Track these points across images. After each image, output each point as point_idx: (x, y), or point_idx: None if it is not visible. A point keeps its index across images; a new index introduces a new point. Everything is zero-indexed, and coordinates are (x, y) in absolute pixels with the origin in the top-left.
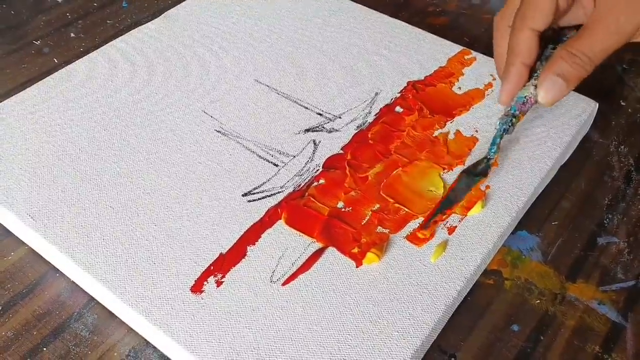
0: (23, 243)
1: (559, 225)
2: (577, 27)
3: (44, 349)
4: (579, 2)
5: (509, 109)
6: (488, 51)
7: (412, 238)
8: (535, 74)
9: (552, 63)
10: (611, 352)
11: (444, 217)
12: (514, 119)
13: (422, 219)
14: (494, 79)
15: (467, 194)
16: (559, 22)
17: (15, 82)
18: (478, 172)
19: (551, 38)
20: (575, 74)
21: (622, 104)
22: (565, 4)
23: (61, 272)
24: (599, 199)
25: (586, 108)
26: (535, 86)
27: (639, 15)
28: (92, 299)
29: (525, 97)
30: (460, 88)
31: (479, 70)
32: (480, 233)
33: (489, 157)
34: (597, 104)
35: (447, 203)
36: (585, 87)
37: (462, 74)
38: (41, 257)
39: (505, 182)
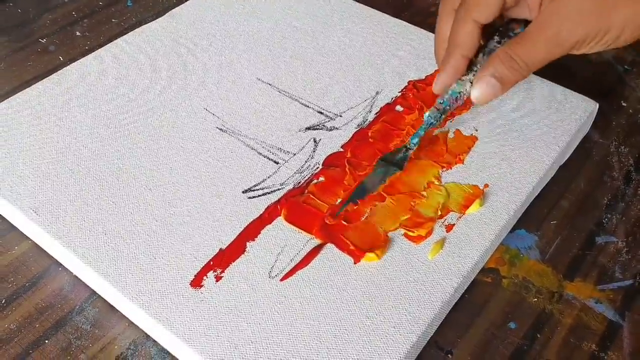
0: (27, 237)
1: (557, 225)
2: (527, 23)
3: (46, 341)
4: (525, 2)
5: (440, 102)
6: None
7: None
8: (475, 68)
9: (490, 63)
10: (607, 351)
11: (355, 206)
12: (442, 115)
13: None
14: None
15: (382, 184)
16: (507, 15)
17: (21, 79)
18: (395, 161)
19: (497, 29)
20: (511, 78)
21: (623, 104)
22: (512, 1)
23: (64, 266)
24: (598, 199)
25: (587, 108)
26: (472, 82)
27: (581, 28)
28: (93, 292)
29: (459, 92)
30: None
31: None
32: (477, 231)
33: (408, 147)
34: (598, 104)
35: (361, 192)
36: (586, 87)
37: None
38: (44, 251)
39: (503, 181)
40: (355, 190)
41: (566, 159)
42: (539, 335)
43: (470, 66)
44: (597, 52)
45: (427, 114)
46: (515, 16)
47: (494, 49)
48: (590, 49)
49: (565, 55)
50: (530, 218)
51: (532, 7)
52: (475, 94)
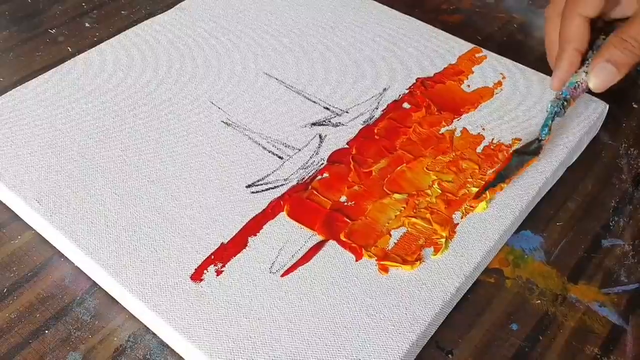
0: (30, 227)
1: (563, 226)
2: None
3: (46, 331)
4: None
5: (560, 92)
6: (500, 50)
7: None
8: (587, 62)
9: (604, 50)
10: (610, 355)
11: (495, 189)
12: (565, 103)
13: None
14: (504, 78)
15: (519, 169)
16: (611, 14)
17: (29, 69)
18: (530, 151)
19: (602, 30)
20: (625, 60)
21: (634, 106)
22: None
23: (65, 256)
24: (605, 201)
25: (596, 109)
26: (587, 72)
27: None
28: (94, 284)
29: (576, 82)
30: (469, 86)
31: (489, 69)
32: (482, 231)
33: (540, 138)
34: (608, 105)
35: (500, 178)
36: None
37: (472, 72)
38: (47, 241)
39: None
40: (495, 178)
41: (574, 160)
42: (541, 338)
43: (583, 61)
44: None
45: (549, 104)
46: (622, 15)
47: (602, 43)
48: None
49: None
50: (536, 219)
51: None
52: (593, 80)
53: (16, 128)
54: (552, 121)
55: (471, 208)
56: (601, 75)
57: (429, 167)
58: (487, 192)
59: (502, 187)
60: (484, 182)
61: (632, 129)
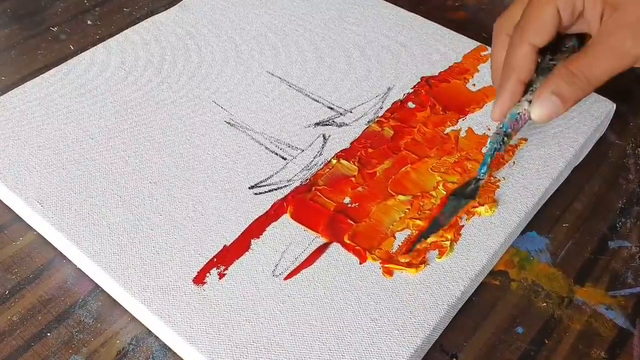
0: (31, 229)
1: (569, 228)
2: (578, 36)
3: (48, 334)
4: (583, 19)
5: (500, 126)
6: None
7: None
8: (531, 88)
9: (550, 80)
10: (617, 358)
11: (428, 242)
12: (505, 138)
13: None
14: None
15: (454, 217)
16: (568, 30)
17: (31, 67)
18: (467, 194)
19: (549, 47)
20: (573, 94)
21: None
22: (569, 20)
23: (68, 258)
24: (612, 202)
25: (603, 109)
26: (530, 102)
27: None
28: (97, 286)
29: (518, 113)
30: (474, 85)
31: None
32: (487, 234)
33: (479, 177)
34: (615, 105)
35: (433, 228)
36: (603, 88)
37: (477, 71)
38: (49, 243)
39: (515, 182)
40: (429, 227)
41: (581, 160)
42: (546, 341)
43: (527, 87)
44: None
45: (489, 140)
46: (572, 32)
47: (547, 66)
48: None
49: (627, 69)
50: (541, 220)
51: (592, 20)
52: (536, 112)
53: (18, 128)
54: (491, 158)
55: (430, 245)
56: (545, 107)
57: (433, 168)
58: (418, 244)
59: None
60: (416, 232)
61: (639, 128)
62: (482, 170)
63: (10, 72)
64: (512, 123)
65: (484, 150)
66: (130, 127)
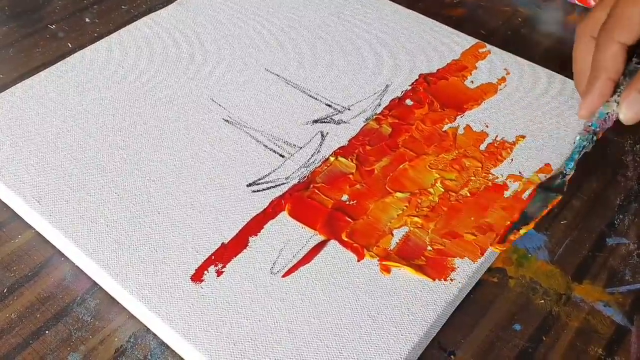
0: (30, 226)
1: (567, 225)
2: None
3: (46, 332)
4: None
5: (589, 124)
6: (504, 45)
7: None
8: (618, 90)
9: (637, 80)
10: (614, 355)
11: (520, 232)
12: (594, 137)
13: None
14: (508, 74)
15: (543, 210)
16: None
17: (29, 65)
18: (554, 187)
19: (634, 50)
20: None
21: None
22: None
23: (66, 256)
24: (610, 199)
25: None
26: (618, 103)
27: None
28: (95, 284)
29: (607, 113)
30: (472, 82)
31: (492, 65)
32: None
33: (565, 172)
34: None
35: (523, 220)
36: None
37: (476, 68)
38: (47, 240)
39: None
40: (519, 219)
41: None
42: (544, 338)
43: (614, 88)
44: None
45: (578, 137)
46: None
47: (634, 69)
48: None
49: None
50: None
51: None
52: (625, 113)
53: (16, 126)
54: (578, 155)
55: (497, 249)
56: (634, 107)
57: (431, 165)
58: (511, 235)
59: (525, 229)
60: (508, 223)
61: (637, 124)
62: (569, 166)
63: (8, 70)
64: (601, 122)
65: (574, 144)
66: (128, 124)
